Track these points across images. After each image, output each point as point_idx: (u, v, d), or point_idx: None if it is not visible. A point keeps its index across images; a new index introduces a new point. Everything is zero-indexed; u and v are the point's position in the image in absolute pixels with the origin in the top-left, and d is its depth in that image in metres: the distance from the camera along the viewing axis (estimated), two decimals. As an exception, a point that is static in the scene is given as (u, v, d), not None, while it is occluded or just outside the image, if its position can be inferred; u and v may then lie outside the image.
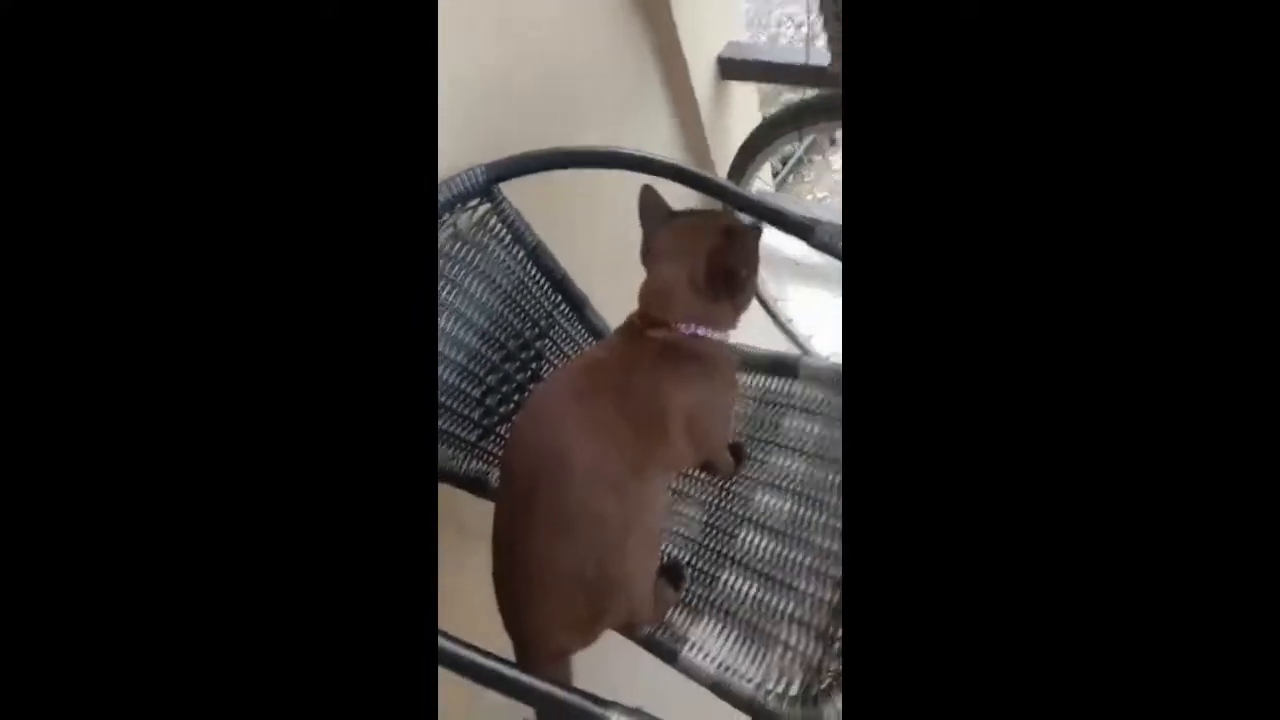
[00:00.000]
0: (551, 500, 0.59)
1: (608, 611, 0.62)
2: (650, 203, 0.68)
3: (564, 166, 0.78)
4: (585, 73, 1.00)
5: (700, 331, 0.65)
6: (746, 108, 1.31)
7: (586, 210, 1.01)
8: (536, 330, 0.85)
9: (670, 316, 0.64)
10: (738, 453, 0.79)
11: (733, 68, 1.16)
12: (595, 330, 0.87)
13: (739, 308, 0.68)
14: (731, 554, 0.73)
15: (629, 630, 0.68)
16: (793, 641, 0.66)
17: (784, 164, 1.83)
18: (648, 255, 0.67)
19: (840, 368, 0.81)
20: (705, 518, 0.77)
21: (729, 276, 0.64)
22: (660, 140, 1.21)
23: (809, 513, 0.73)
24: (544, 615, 0.61)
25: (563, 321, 0.87)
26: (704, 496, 0.79)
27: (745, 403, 0.83)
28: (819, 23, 0.83)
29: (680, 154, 1.26)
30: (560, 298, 0.85)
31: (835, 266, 0.67)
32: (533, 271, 0.85)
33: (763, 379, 0.84)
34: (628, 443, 0.61)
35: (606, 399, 0.61)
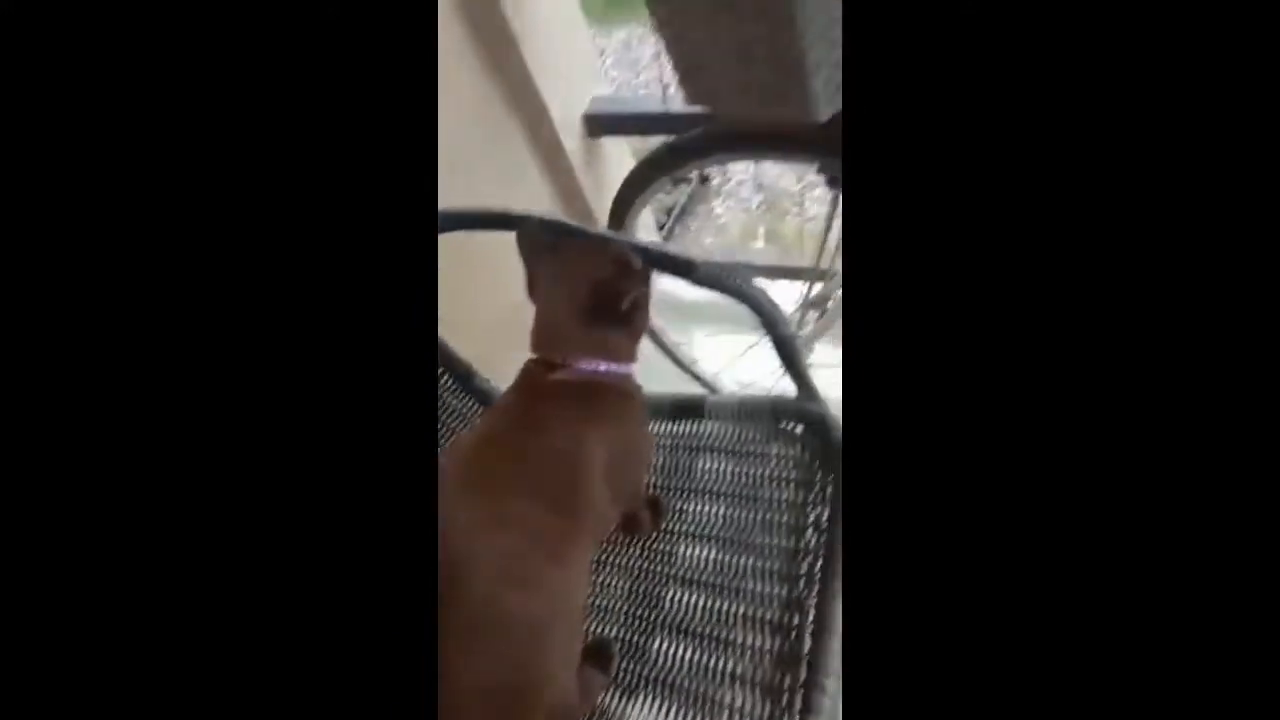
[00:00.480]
0: (455, 612, 0.51)
1: (530, 716, 0.55)
2: (530, 236, 0.65)
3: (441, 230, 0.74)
4: (447, 140, 0.97)
5: (602, 368, 0.61)
6: (621, 165, 1.33)
7: (461, 275, 0.97)
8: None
9: (565, 352, 0.60)
10: (656, 506, 0.74)
11: (599, 123, 1.18)
12: (485, 398, 0.81)
13: (635, 335, 0.65)
14: (661, 619, 0.67)
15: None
16: (739, 703, 0.60)
17: (668, 215, 1.88)
18: (533, 291, 0.64)
19: (743, 399, 0.79)
20: (629, 584, 0.71)
21: (617, 300, 0.61)
22: (535, 201, 1.20)
23: (736, 558, 0.69)
24: None
25: (448, 397, 0.81)
26: (626, 561, 0.73)
27: (656, 452, 0.79)
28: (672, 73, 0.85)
29: (558, 212, 1.25)
30: (442, 369, 0.79)
31: (724, 304, 0.66)
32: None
33: (669, 424, 0.81)
34: (542, 526, 0.55)
35: (509, 476, 0.56)
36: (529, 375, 0.62)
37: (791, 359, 0.77)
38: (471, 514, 0.54)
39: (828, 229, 0.97)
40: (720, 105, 0.67)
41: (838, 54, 0.60)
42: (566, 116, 1.14)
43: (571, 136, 1.16)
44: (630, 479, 0.66)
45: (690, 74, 0.66)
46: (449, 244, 0.74)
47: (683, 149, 0.83)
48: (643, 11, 0.63)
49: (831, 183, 0.83)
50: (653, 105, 1.17)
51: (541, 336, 0.62)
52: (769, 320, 0.72)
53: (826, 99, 0.63)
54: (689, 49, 0.63)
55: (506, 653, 0.52)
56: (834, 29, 0.60)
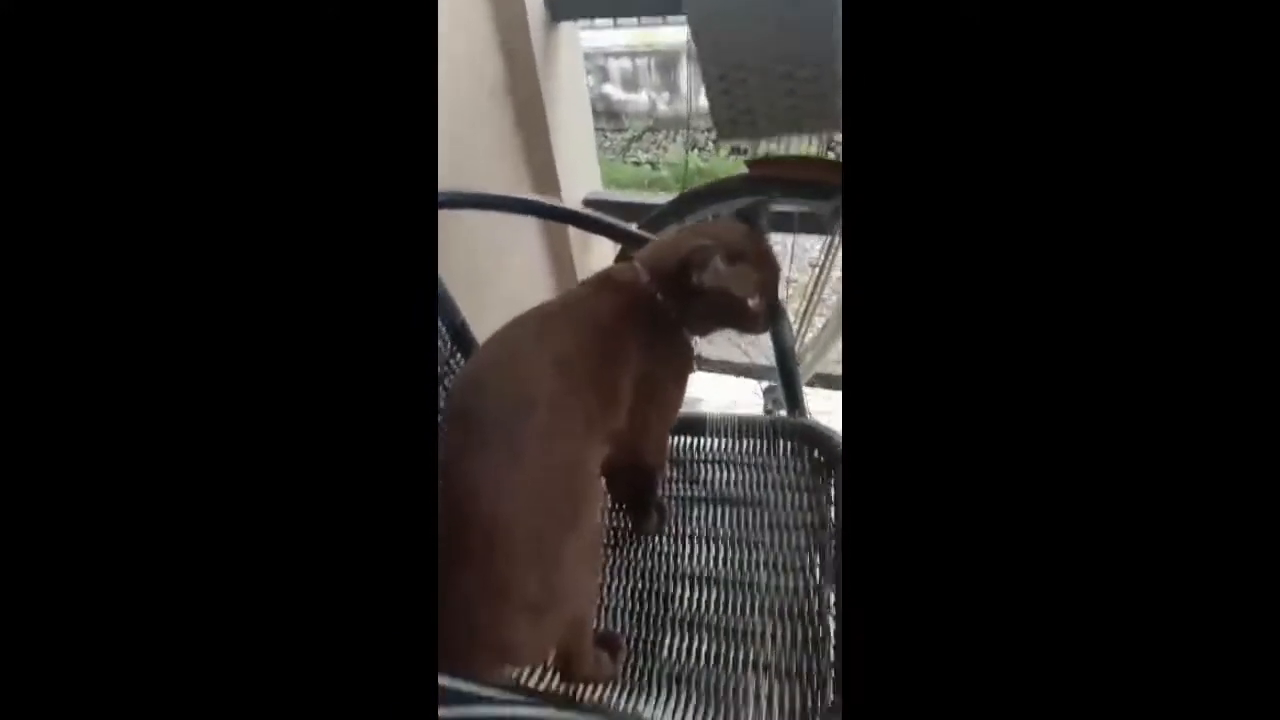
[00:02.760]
0: (508, 443, 0.50)
1: (553, 606, 0.52)
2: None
3: (463, 207, 0.77)
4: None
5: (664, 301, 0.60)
6: (606, 249, 1.45)
7: (489, 257, 0.99)
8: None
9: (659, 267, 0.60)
10: (660, 510, 0.72)
11: (596, 208, 1.30)
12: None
13: (708, 314, 0.61)
14: (673, 615, 0.63)
15: (570, 664, 0.56)
16: (765, 691, 0.55)
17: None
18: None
19: (742, 416, 0.81)
20: (635, 584, 0.67)
21: (699, 269, 0.58)
22: (533, 263, 1.27)
23: (746, 554, 0.67)
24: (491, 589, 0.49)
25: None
26: (629, 563, 0.69)
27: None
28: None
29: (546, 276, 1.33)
30: (456, 347, 0.78)
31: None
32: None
33: (672, 439, 0.81)
34: (587, 394, 0.54)
35: (570, 343, 0.55)
36: (605, 280, 0.62)
37: (790, 375, 0.81)
38: (538, 357, 0.54)
39: (820, 271, 1.03)
40: (754, 133, 0.77)
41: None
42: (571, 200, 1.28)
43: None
44: (656, 419, 0.64)
45: (727, 104, 0.76)
46: (479, 226, 0.77)
47: (721, 191, 0.91)
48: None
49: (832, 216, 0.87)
50: (640, 197, 1.30)
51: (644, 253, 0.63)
52: (777, 333, 0.77)
53: None
54: (726, 72, 0.74)
55: (546, 523, 0.50)
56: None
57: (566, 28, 1.22)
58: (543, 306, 0.60)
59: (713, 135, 3.27)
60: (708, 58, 0.74)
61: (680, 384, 0.66)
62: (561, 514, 0.51)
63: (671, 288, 0.59)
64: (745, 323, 0.62)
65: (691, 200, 0.91)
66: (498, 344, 0.57)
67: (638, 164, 3.13)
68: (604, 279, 0.62)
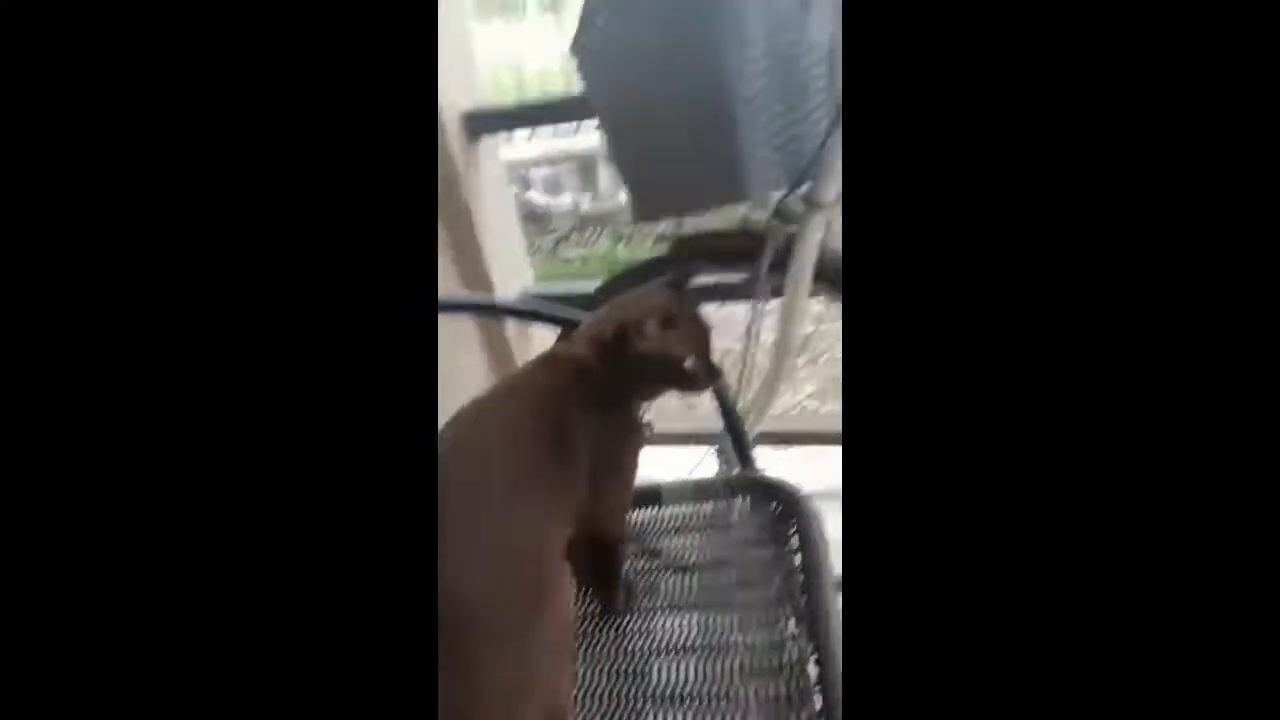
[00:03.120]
0: (468, 524, 0.50)
1: (529, 691, 0.50)
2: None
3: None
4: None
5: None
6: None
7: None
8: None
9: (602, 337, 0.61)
10: (628, 588, 0.71)
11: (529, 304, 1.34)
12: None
13: (636, 390, 0.64)
14: (651, 690, 0.61)
15: None
16: (754, 754, 0.53)
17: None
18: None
19: (697, 481, 0.82)
20: (610, 664, 0.64)
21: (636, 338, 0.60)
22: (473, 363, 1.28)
23: (718, 617, 0.66)
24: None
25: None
26: (603, 643, 0.67)
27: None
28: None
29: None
30: None
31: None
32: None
33: (631, 514, 0.81)
34: (542, 473, 0.53)
35: (520, 423, 0.56)
36: (552, 349, 0.64)
37: (738, 431, 0.83)
38: (496, 427, 0.56)
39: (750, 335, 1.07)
40: (670, 211, 0.83)
41: (775, 138, 0.77)
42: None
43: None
44: (614, 488, 0.64)
45: (642, 189, 0.82)
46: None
47: (653, 267, 0.96)
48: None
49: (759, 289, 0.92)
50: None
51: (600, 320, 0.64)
52: (718, 391, 0.79)
53: (762, 181, 0.78)
54: (636, 160, 0.80)
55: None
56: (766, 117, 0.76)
57: (486, 142, 1.30)
58: (490, 390, 0.61)
59: (637, 228, 3.43)
60: (618, 152, 0.80)
61: (634, 454, 0.67)
62: (530, 595, 0.50)
63: (611, 357, 0.61)
64: (686, 383, 0.64)
65: (617, 287, 0.96)
66: (451, 429, 0.57)
67: (568, 261, 3.25)
68: (546, 359, 0.64)
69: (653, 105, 0.74)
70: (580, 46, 0.75)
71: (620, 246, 3.30)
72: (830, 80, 0.79)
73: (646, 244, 3.25)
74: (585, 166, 3.57)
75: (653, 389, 0.65)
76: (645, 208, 0.83)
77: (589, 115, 0.92)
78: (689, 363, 0.63)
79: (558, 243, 3.61)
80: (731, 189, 0.75)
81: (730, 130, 0.70)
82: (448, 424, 0.58)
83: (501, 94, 3.02)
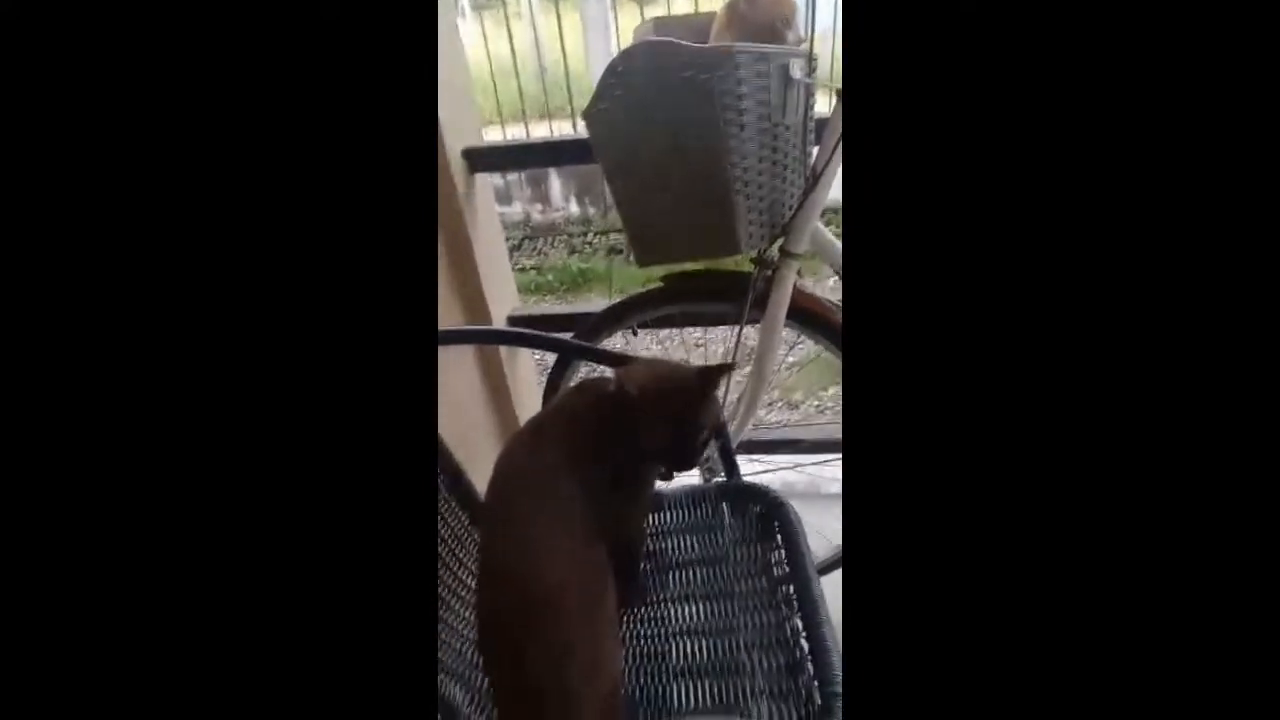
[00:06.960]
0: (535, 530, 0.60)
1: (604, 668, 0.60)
2: None
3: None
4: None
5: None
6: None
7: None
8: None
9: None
10: (641, 588, 0.83)
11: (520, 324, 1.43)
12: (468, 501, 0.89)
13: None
14: (671, 667, 0.73)
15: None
16: (763, 713, 0.67)
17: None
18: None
19: (692, 487, 0.95)
20: (633, 649, 0.76)
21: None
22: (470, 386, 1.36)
23: (725, 604, 0.79)
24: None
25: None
26: (628, 629, 0.79)
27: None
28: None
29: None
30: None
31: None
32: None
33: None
34: (586, 484, 0.65)
35: (567, 442, 0.67)
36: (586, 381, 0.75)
37: (725, 447, 0.97)
38: (544, 451, 0.67)
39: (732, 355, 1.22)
40: (669, 259, 0.95)
41: (761, 203, 0.90)
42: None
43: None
44: (633, 513, 0.76)
45: (645, 239, 0.94)
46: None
47: (634, 304, 1.10)
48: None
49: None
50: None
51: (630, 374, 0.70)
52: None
53: (750, 240, 0.91)
54: (640, 215, 0.92)
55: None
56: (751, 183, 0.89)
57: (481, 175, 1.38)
58: (538, 417, 0.74)
59: (587, 238, 3.49)
60: (623, 202, 0.93)
61: (650, 468, 0.80)
62: (600, 581, 0.62)
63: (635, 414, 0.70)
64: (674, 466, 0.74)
65: (620, 311, 1.09)
66: (508, 453, 0.69)
67: (523, 270, 3.31)
68: (582, 387, 0.77)
69: (657, 171, 0.87)
70: (593, 115, 0.87)
71: (574, 258, 3.40)
72: (802, 154, 0.94)
73: (598, 256, 3.36)
74: (535, 178, 3.64)
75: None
76: (648, 256, 0.95)
77: (578, 160, 1.03)
78: (703, 436, 0.73)
79: (511, 252, 3.67)
80: (732, 250, 0.88)
81: (726, 197, 0.84)
82: (506, 448, 0.70)
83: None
